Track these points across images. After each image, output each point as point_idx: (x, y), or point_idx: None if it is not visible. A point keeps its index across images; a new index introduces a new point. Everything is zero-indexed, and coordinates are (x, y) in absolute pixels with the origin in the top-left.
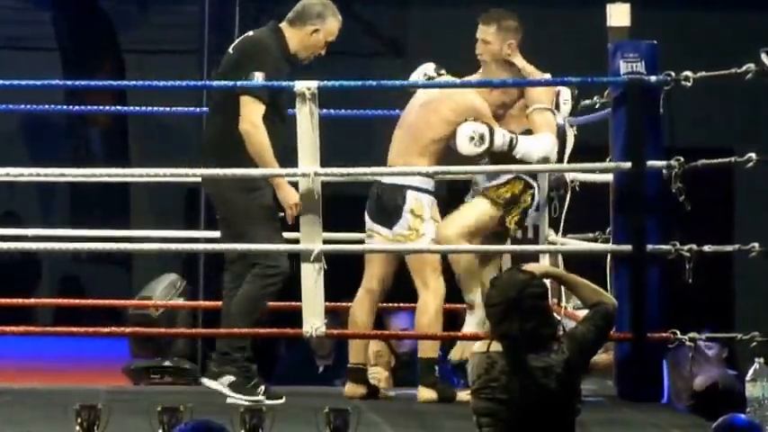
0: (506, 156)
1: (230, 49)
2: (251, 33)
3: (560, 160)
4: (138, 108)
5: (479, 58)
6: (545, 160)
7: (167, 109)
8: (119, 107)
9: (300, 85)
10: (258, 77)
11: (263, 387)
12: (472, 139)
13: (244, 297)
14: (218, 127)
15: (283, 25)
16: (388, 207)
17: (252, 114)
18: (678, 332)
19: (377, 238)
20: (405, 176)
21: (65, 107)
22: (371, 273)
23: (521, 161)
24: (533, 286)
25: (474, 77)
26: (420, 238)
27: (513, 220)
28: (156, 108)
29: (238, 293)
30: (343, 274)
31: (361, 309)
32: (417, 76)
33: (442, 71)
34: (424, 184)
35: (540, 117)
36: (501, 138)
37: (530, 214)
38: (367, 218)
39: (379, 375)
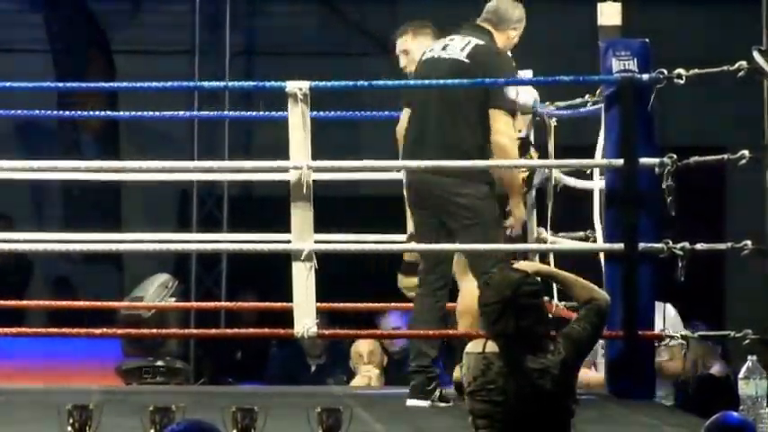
0: None
1: (455, 55)
2: (479, 41)
3: (544, 152)
4: (129, 113)
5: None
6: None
7: (157, 114)
8: (111, 112)
9: (292, 86)
10: (511, 92)
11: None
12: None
13: None
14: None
15: (489, 28)
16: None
17: (508, 128)
18: (669, 330)
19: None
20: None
21: (58, 113)
22: None
23: None
24: (528, 284)
25: None
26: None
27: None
28: (147, 113)
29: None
30: (334, 273)
31: None
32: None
33: None
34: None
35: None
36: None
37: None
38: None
39: (370, 373)
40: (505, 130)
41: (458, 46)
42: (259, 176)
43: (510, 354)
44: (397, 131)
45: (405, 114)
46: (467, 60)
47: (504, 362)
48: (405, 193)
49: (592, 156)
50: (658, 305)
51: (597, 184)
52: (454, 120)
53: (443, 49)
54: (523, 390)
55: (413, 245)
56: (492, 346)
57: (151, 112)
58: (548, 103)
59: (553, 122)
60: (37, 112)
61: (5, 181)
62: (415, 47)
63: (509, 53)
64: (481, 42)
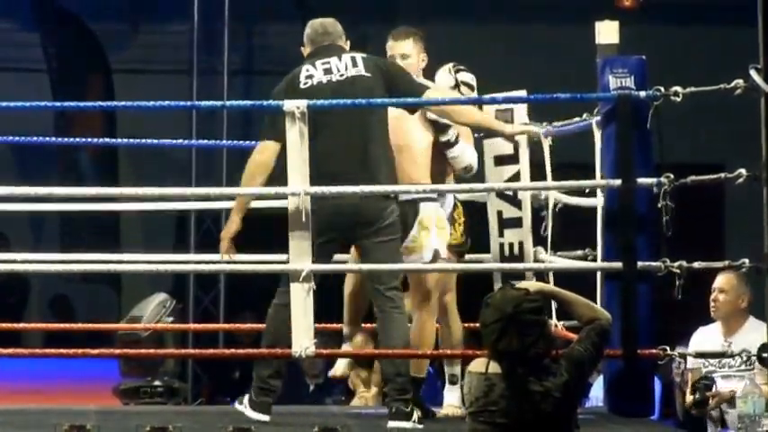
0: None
1: (362, 71)
2: (363, 54)
3: (542, 171)
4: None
5: None
6: (470, 168)
7: (156, 141)
8: (109, 139)
9: (290, 105)
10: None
11: None
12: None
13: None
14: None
15: (342, 45)
16: (404, 224)
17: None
18: (668, 348)
19: None
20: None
21: (56, 139)
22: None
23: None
24: (529, 301)
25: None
26: (421, 251)
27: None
28: (146, 141)
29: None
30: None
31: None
32: (441, 76)
33: (461, 68)
34: (432, 193)
35: (461, 128)
36: (453, 131)
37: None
38: None
39: (366, 394)
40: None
41: (345, 65)
42: (257, 203)
43: (513, 376)
44: (257, 162)
45: (271, 145)
46: (368, 74)
47: (507, 384)
48: (318, 218)
49: (593, 172)
50: (759, 323)
51: (600, 201)
52: (373, 137)
53: (328, 72)
54: (526, 413)
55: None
56: (495, 367)
57: (149, 140)
58: (545, 123)
59: (548, 142)
60: (35, 138)
61: (3, 201)
62: (415, 53)
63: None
64: (363, 54)
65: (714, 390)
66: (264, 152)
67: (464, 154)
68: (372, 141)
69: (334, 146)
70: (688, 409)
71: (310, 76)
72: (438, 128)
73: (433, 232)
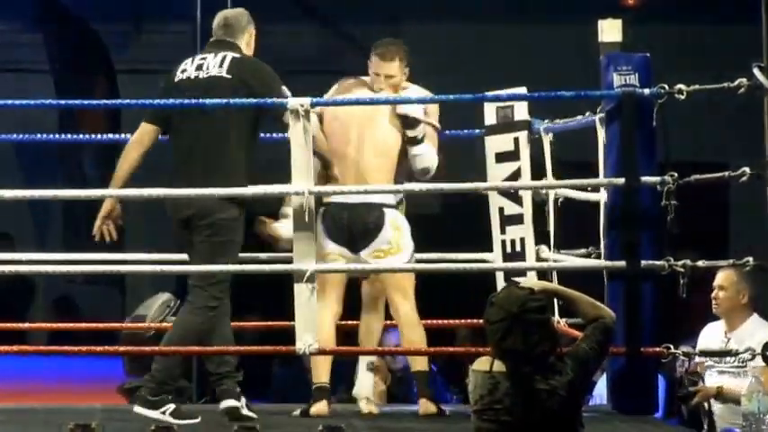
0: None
1: (223, 72)
2: (235, 54)
3: (541, 169)
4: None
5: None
6: (427, 171)
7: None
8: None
9: (294, 102)
10: (289, 95)
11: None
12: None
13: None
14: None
15: (230, 41)
16: (368, 228)
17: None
18: (672, 346)
19: (341, 261)
20: (380, 195)
21: (59, 136)
22: (336, 295)
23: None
24: (534, 300)
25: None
26: (400, 252)
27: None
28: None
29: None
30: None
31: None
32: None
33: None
34: (395, 199)
35: (432, 131)
36: (422, 128)
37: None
38: (328, 241)
39: (375, 388)
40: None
41: (214, 63)
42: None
43: (518, 375)
44: (132, 140)
45: (146, 126)
46: (228, 75)
47: (511, 382)
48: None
49: (596, 170)
50: (762, 322)
51: (603, 197)
52: (226, 139)
53: (198, 68)
54: (531, 411)
55: (413, 265)
56: (499, 365)
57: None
58: (546, 120)
59: (549, 138)
60: (39, 136)
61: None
62: (400, 72)
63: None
64: (237, 55)
65: (700, 385)
66: (140, 131)
67: (426, 155)
68: (217, 144)
69: (183, 147)
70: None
71: (184, 71)
72: (407, 124)
73: (406, 234)
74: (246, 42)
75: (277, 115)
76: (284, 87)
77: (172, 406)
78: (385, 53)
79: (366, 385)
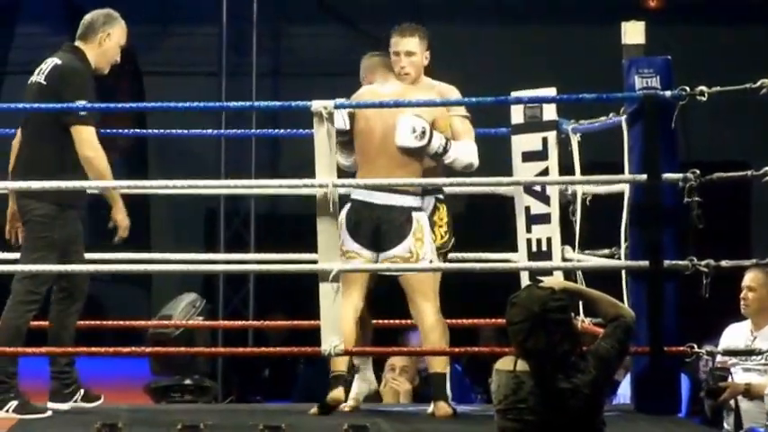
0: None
1: (39, 78)
2: (58, 61)
3: (568, 170)
4: (157, 131)
5: (402, 74)
6: (470, 167)
7: (185, 132)
8: (138, 130)
9: (318, 105)
10: (82, 104)
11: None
12: (414, 131)
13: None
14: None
15: (78, 44)
16: (392, 233)
17: (92, 139)
18: (695, 346)
19: (358, 260)
20: (405, 197)
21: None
22: (357, 293)
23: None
24: (555, 300)
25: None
26: (418, 262)
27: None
28: (173, 131)
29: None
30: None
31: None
32: None
33: None
34: (418, 202)
35: (463, 124)
36: (438, 139)
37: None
38: (349, 239)
39: (400, 387)
40: (85, 141)
41: (42, 69)
42: (286, 191)
43: (542, 374)
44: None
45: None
46: (44, 82)
47: (535, 381)
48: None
49: (621, 172)
50: None
51: (625, 197)
52: (38, 140)
53: (37, 73)
54: (555, 410)
55: (437, 265)
56: (523, 365)
57: (178, 131)
58: (572, 121)
59: (577, 138)
60: None
61: None
62: (420, 50)
63: None
64: (59, 62)
65: (729, 380)
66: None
67: (460, 156)
68: (34, 143)
69: (19, 148)
70: (703, 397)
71: (34, 74)
72: (411, 152)
73: (427, 242)
74: (99, 43)
75: (67, 122)
76: (81, 97)
77: (14, 403)
78: (403, 30)
79: (353, 387)
